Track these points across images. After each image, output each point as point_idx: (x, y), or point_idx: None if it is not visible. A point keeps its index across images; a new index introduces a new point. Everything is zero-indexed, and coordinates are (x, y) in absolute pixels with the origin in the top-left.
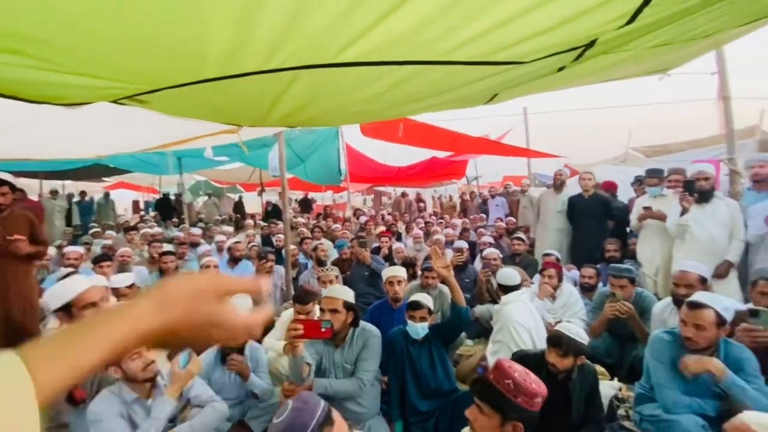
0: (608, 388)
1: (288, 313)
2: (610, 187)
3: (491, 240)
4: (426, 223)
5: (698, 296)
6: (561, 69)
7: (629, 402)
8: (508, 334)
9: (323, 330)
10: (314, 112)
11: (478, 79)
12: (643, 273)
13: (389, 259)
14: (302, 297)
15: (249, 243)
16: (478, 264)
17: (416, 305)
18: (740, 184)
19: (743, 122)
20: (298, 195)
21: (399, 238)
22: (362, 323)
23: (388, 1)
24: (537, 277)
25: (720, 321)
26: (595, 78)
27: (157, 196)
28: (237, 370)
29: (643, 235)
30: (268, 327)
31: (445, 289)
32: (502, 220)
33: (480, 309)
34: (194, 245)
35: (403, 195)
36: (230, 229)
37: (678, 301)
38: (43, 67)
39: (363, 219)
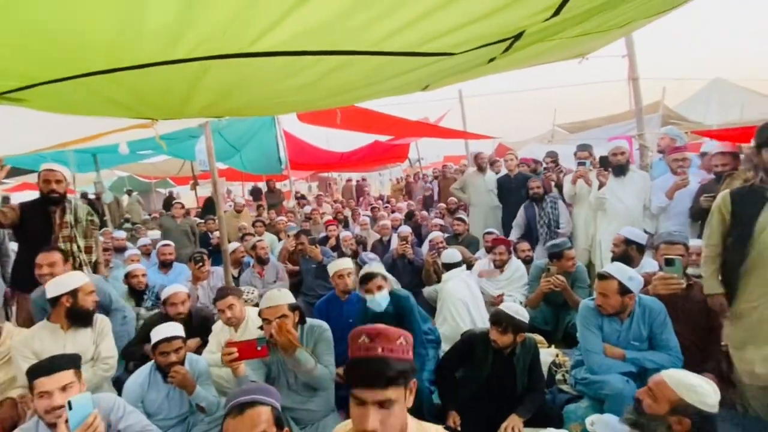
0: (546, 355)
1: (219, 324)
2: (527, 161)
3: (441, 222)
4: (372, 208)
5: (609, 267)
6: (491, 60)
7: (565, 366)
8: (447, 310)
9: (259, 349)
10: (238, 102)
11: (410, 70)
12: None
13: (337, 248)
14: (219, 293)
15: None
16: (425, 246)
17: (369, 276)
18: (649, 157)
19: (648, 98)
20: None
21: (346, 225)
22: (308, 320)
23: None
24: (480, 253)
25: (623, 290)
26: (522, 65)
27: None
28: (180, 384)
29: (577, 210)
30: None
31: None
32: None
33: (428, 290)
34: (120, 250)
35: (349, 180)
36: (157, 231)
37: (612, 259)
38: None
39: (308, 208)
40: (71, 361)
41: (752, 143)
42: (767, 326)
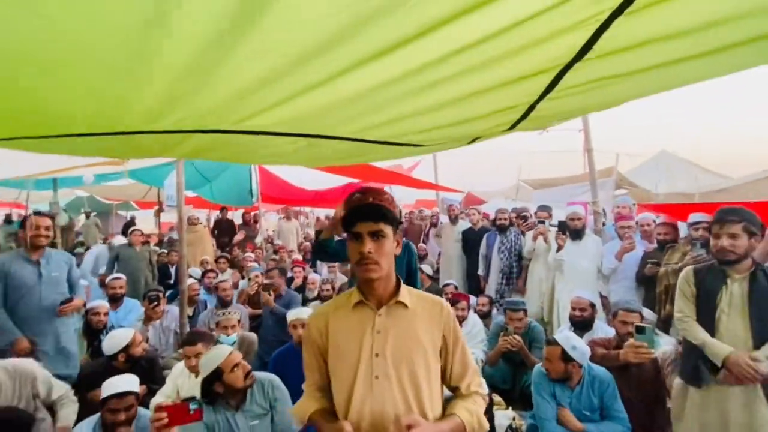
0: (503, 418)
1: (179, 367)
2: (486, 216)
3: None
4: None
5: (558, 334)
6: (455, 147)
7: (521, 431)
8: None
9: (192, 412)
10: (220, 155)
11: (381, 152)
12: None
13: (302, 290)
14: (190, 338)
15: None
16: None
17: None
18: (602, 223)
19: (602, 163)
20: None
21: (314, 264)
22: (256, 374)
23: (286, 90)
24: None
25: (565, 357)
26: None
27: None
28: None
29: (533, 266)
30: (152, 388)
31: None
32: None
33: None
34: None
35: (326, 218)
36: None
37: (574, 322)
38: None
39: (277, 242)
40: None
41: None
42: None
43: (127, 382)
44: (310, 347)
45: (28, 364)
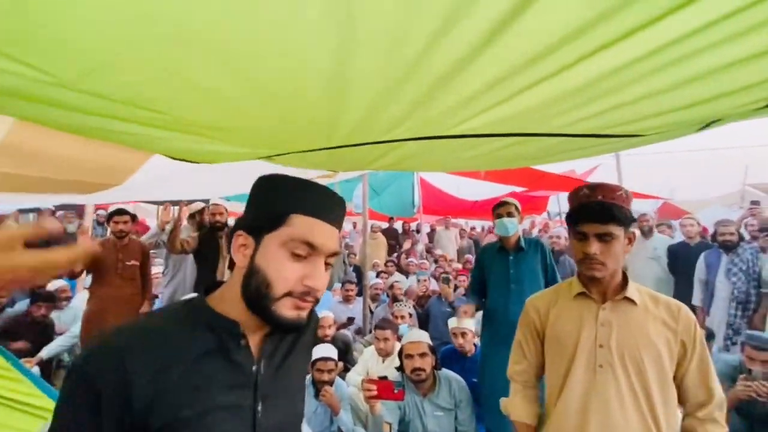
0: None
1: (370, 350)
2: (704, 233)
3: None
4: None
5: None
6: (676, 137)
7: None
8: None
9: (396, 392)
10: (412, 164)
11: (587, 147)
12: None
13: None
14: (381, 323)
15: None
16: None
17: (503, 203)
18: None
19: None
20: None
21: None
22: (448, 372)
23: (507, 90)
24: None
25: None
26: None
27: None
28: (329, 403)
29: None
30: (347, 365)
31: None
32: None
33: None
34: None
35: (474, 229)
36: None
37: None
38: (210, 141)
39: (438, 252)
40: None
41: None
42: None
43: (329, 349)
44: (527, 327)
45: None
